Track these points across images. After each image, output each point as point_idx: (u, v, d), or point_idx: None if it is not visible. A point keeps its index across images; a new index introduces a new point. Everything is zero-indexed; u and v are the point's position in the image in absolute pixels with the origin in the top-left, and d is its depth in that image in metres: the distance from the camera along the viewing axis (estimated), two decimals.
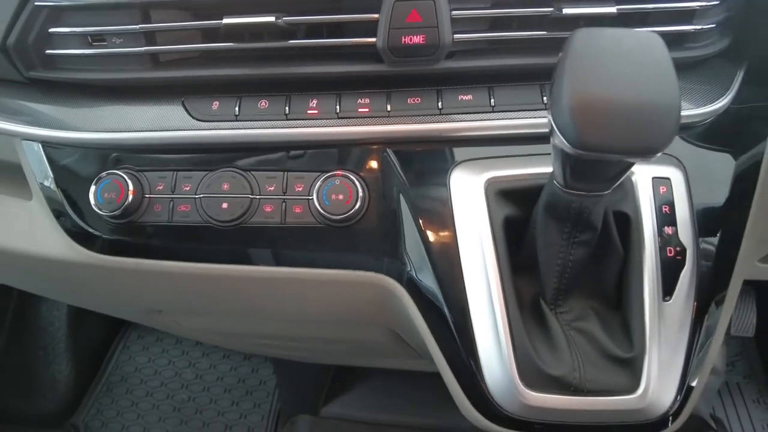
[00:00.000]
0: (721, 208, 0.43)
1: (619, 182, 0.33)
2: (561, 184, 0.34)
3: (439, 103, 0.44)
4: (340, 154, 0.45)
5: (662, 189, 0.41)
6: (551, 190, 0.35)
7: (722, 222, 0.42)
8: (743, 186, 0.44)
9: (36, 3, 0.43)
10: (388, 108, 0.44)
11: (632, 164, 0.31)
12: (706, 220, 0.42)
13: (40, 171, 0.49)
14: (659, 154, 0.29)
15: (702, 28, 0.44)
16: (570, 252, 0.37)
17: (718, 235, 0.42)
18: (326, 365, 0.97)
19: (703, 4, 0.42)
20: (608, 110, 0.28)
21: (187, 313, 0.59)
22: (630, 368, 0.38)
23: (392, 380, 0.96)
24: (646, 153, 0.28)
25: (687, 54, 0.45)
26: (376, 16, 0.41)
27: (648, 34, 0.30)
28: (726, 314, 0.42)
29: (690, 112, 0.45)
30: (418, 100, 0.44)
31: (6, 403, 1.07)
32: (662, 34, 0.43)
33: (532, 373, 0.37)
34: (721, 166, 0.45)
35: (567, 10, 0.40)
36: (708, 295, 0.40)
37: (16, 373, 1.08)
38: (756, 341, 1.12)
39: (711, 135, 0.45)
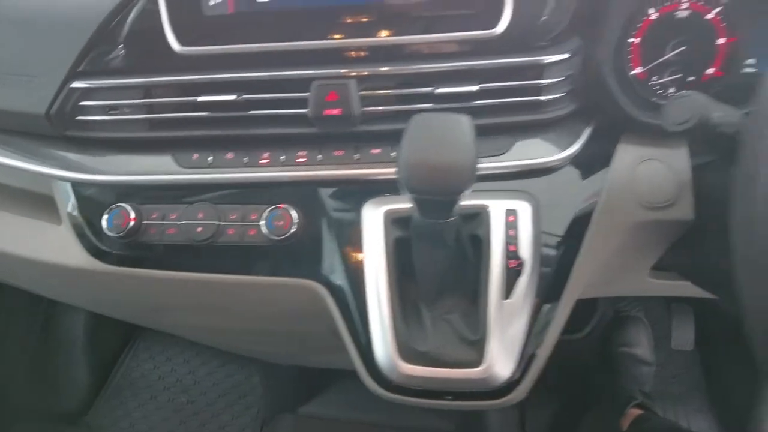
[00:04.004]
0: (562, 234, 0.57)
1: (452, 215, 0.48)
2: (418, 215, 0.49)
3: (356, 155, 0.59)
4: (284, 191, 0.60)
5: (510, 218, 0.55)
6: (416, 219, 0.50)
7: (561, 243, 0.57)
8: (581, 219, 0.58)
9: (71, 86, 0.61)
10: (319, 158, 0.60)
11: (453, 202, 0.46)
12: (548, 242, 0.56)
13: (68, 203, 0.66)
14: (468, 192, 0.44)
15: (552, 98, 0.59)
16: (434, 263, 0.52)
17: (556, 252, 0.56)
18: (305, 369, 1.11)
19: (548, 81, 0.58)
20: (425, 168, 0.42)
21: (177, 311, 0.75)
22: (477, 348, 0.52)
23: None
24: (450, 195, 0.43)
25: (544, 116, 0.59)
26: (307, 94, 0.57)
27: (460, 116, 0.44)
28: (561, 315, 0.55)
29: (548, 158, 0.59)
30: (341, 152, 0.60)
31: (31, 401, 1.23)
32: (523, 102, 0.58)
33: (406, 351, 0.52)
34: (569, 201, 0.59)
35: (439, 90, 0.56)
36: (544, 298, 0.55)
37: (40, 376, 1.25)
38: (700, 355, 1.23)
39: (563, 176, 0.60)
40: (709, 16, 0.63)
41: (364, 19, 0.55)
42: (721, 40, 0.64)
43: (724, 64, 0.64)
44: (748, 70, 0.65)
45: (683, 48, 0.63)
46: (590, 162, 0.61)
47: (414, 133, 0.43)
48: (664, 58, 0.64)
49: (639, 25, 0.61)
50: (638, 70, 0.63)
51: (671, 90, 0.67)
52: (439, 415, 1.05)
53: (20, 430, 1.21)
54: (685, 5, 0.60)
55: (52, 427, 1.23)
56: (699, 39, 0.63)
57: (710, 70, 0.65)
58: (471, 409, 0.54)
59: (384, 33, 0.55)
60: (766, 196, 0.31)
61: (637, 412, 1.02)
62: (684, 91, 0.44)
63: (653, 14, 0.60)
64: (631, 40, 0.61)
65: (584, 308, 1.35)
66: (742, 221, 0.32)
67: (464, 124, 0.44)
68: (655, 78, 0.66)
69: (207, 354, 1.33)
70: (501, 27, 0.53)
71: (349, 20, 0.55)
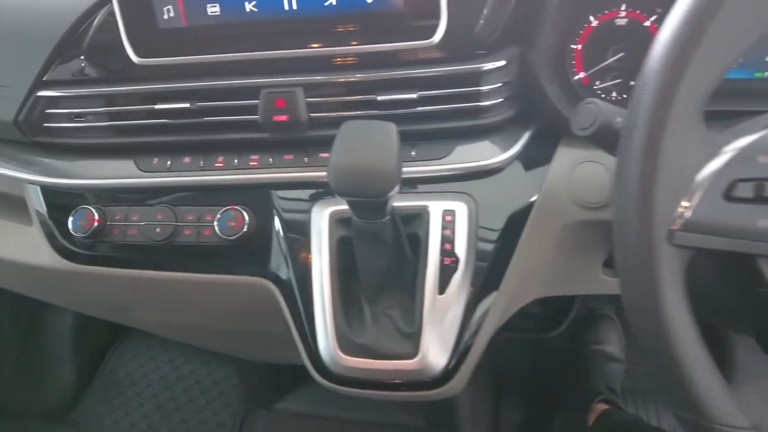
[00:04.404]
0: (500, 233, 0.60)
1: (385, 215, 0.50)
2: (355, 216, 0.52)
3: (305, 159, 0.62)
4: (237, 193, 0.64)
5: (447, 218, 0.58)
6: (355, 219, 0.53)
7: (499, 241, 0.59)
8: (518, 218, 0.61)
9: (38, 95, 0.64)
10: (270, 161, 0.63)
11: (382, 203, 0.49)
12: (486, 240, 0.59)
13: (38, 205, 0.70)
14: (390, 195, 0.46)
15: (491, 104, 0.61)
16: (374, 261, 0.55)
17: (493, 250, 0.59)
18: (280, 367, 1.14)
19: (486, 88, 0.60)
20: (351, 172, 0.45)
21: (142, 308, 0.79)
22: (413, 341, 0.54)
23: None
24: (375, 197, 0.46)
25: (484, 121, 0.61)
26: (257, 101, 0.61)
27: (386, 124, 0.47)
28: (496, 309, 0.58)
29: (487, 161, 0.62)
30: (291, 156, 0.63)
31: (18, 399, 1.27)
32: (462, 108, 0.61)
33: (345, 343, 0.55)
34: (508, 201, 0.62)
35: (381, 98, 0.59)
36: (479, 293, 0.57)
37: (27, 374, 1.28)
38: None
39: (504, 178, 0.63)
40: (647, 23, 0.65)
41: (310, 31, 0.58)
42: None
43: None
44: None
45: (623, 54, 0.66)
46: (530, 164, 0.63)
47: (342, 140, 0.46)
48: (605, 63, 0.67)
49: (581, 32, 0.64)
50: (581, 75, 0.66)
51: (614, 94, 0.70)
52: (410, 411, 1.08)
53: (6, 428, 1.24)
54: (623, 13, 0.63)
55: (39, 424, 1.27)
56: (638, 45, 0.66)
57: None
58: (411, 399, 0.57)
59: (328, 43, 0.58)
60: (626, 208, 0.33)
61: (603, 407, 1.04)
62: (589, 99, 0.46)
63: (594, 22, 0.63)
64: (573, 46, 0.64)
65: (560, 307, 1.38)
66: (614, 227, 0.34)
67: (389, 131, 0.47)
68: (598, 83, 0.69)
69: (190, 353, 1.36)
70: (437, 37, 0.56)
71: (295, 31, 0.58)
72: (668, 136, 0.32)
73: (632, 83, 0.68)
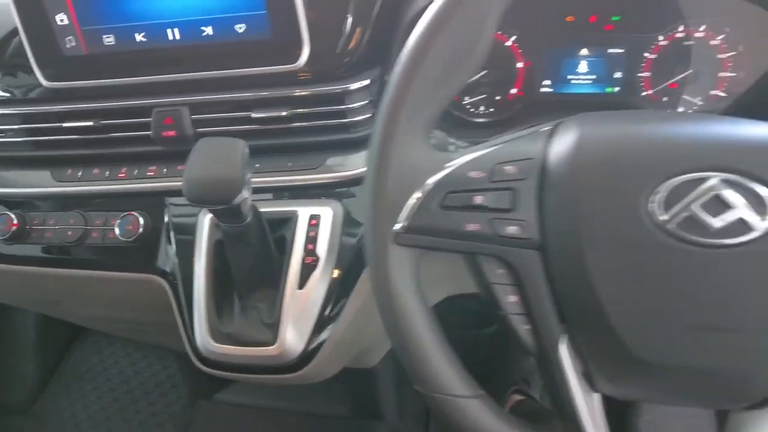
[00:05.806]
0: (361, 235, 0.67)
1: (244, 219, 0.58)
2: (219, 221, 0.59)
3: None
4: (137, 200, 0.72)
5: (313, 222, 0.66)
6: (222, 224, 0.61)
7: (360, 243, 0.67)
8: None
9: None
10: (165, 171, 0.71)
11: (233, 209, 0.56)
12: (349, 241, 0.66)
13: None
14: (230, 201, 0.54)
15: (358, 119, 0.69)
16: (241, 260, 0.62)
17: (355, 250, 0.66)
18: None
19: (352, 106, 0.68)
20: (198, 182, 0.53)
21: (66, 303, 0.87)
22: (272, 330, 0.62)
23: None
24: (223, 203, 0.53)
25: (352, 135, 0.68)
26: (149, 119, 0.69)
27: (234, 140, 0.55)
28: (352, 304, 0.65)
29: (355, 171, 0.69)
30: (183, 167, 0.71)
31: None
32: (331, 124, 0.68)
33: (215, 332, 0.62)
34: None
35: (255, 115, 0.67)
36: (339, 289, 0.65)
37: None
38: None
39: None
40: (508, 43, 0.73)
41: (192, 57, 0.66)
42: (520, 64, 0.74)
43: (524, 84, 0.75)
44: (545, 89, 0.75)
45: (486, 71, 0.74)
46: None
47: (193, 155, 0.54)
48: (472, 79, 0.74)
49: None
50: None
51: (482, 108, 0.77)
52: (339, 402, 1.15)
53: None
54: None
55: (1, 417, 1.35)
56: (502, 63, 0.73)
57: (513, 90, 0.75)
58: (275, 383, 0.64)
59: (208, 68, 0.66)
60: (364, 211, 0.41)
61: (517, 398, 1.10)
62: None
63: None
64: None
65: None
66: None
67: (235, 146, 0.54)
68: (467, 98, 0.77)
69: (148, 348, 1.44)
70: (302, 61, 0.64)
71: (179, 58, 0.66)
72: (395, 152, 0.39)
73: (498, 97, 0.76)
